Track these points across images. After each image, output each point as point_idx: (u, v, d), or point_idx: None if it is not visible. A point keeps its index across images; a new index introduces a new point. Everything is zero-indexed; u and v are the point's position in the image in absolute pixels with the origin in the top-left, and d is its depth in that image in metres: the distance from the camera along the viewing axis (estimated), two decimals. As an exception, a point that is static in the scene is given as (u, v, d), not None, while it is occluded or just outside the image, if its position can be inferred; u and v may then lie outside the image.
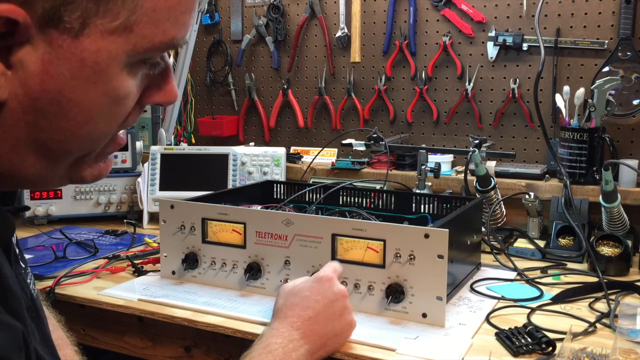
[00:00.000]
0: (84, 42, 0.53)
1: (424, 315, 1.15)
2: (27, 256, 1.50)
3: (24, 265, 0.74)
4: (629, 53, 1.77)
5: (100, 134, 0.59)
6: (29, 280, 0.74)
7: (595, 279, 1.40)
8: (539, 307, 1.25)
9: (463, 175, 1.74)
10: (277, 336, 0.98)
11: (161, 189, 1.93)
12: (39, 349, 0.65)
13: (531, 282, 1.40)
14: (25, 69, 0.53)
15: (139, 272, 1.44)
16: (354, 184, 1.66)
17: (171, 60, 2.43)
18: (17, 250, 0.72)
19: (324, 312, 1.03)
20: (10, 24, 0.51)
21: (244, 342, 1.09)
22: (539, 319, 1.19)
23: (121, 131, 0.64)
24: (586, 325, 1.16)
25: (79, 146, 0.59)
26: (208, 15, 2.36)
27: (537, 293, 1.32)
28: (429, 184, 1.77)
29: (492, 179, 1.65)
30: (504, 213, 1.69)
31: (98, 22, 0.53)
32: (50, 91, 0.54)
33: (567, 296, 1.30)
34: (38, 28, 0.52)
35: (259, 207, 1.46)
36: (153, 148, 1.97)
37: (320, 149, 2.11)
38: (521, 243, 1.66)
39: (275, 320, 1.02)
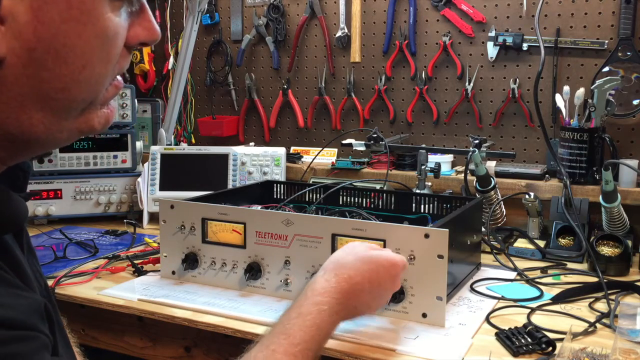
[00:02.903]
0: None
1: (424, 315, 1.15)
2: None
3: (35, 256, 0.74)
4: (629, 53, 1.77)
5: (98, 76, 0.60)
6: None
7: (595, 279, 1.40)
8: (539, 307, 1.25)
9: (463, 175, 1.73)
10: (328, 294, 0.96)
11: (161, 189, 1.93)
12: (58, 337, 0.65)
13: (531, 282, 1.40)
14: (17, 21, 0.53)
15: (139, 272, 1.44)
16: (354, 184, 1.66)
17: (171, 60, 2.44)
18: (30, 242, 0.73)
19: (372, 293, 1.02)
20: None
21: (244, 342, 1.09)
22: (539, 319, 1.19)
23: (118, 76, 0.65)
24: (586, 325, 1.15)
25: (81, 92, 0.59)
26: (208, 15, 2.36)
27: (537, 293, 1.32)
28: (429, 184, 1.77)
29: (492, 179, 1.65)
30: (504, 213, 1.69)
31: None
32: (45, 39, 0.54)
33: (567, 296, 1.30)
34: None
35: (259, 207, 1.46)
36: (153, 148, 1.97)
37: (320, 149, 2.11)
38: (521, 243, 1.66)
39: (332, 273, 1.00)
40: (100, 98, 0.62)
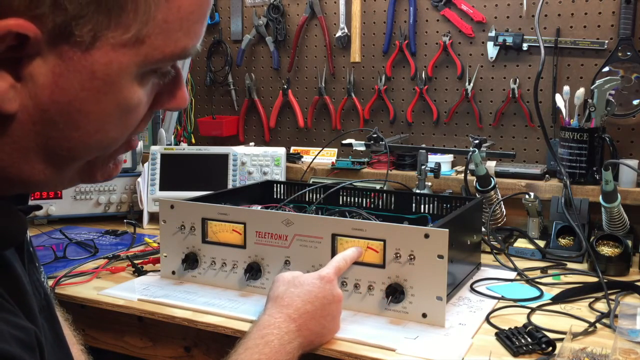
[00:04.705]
0: (95, 55, 0.53)
1: (424, 315, 1.15)
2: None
3: (37, 264, 0.74)
4: (629, 53, 1.77)
5: (111, 141, 0.59)
6: (42, 279, 0.73)
7: (595, 279, 1.40)
8: (539, 307, 1.25)
9: (463, 175, 1.74)
10: (273, 326, 0.98)
11: (161, 189, 1.93)
12: (49, 351, 0.64)
13: (531, 282, 1.40)
14: (35, 82, 0.52)
15: (139, 272, 1.44)
16: (354, 184, 1.66)
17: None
18: (31, 249, 0.72)
19: (320, 310, 1.04)
20: (20, 38, 0.50)
21: (244, 342, 1.09)
22: (539, 319, 1.19)
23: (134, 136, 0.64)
24: (586, 325, 1.15)
25: (89, 153, 0.59)
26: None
27: (537, 293, 1.32)
28: (429, 184, 1.77)
29: (492, 179, 1.65)
30: (504, 213, 1.69)
31: (110, 35, 0.52)
32: (60, 103, 0.53)
33: (567, 296, 1.30)
34: (48, 42, 0.51)
35: (259, 207, 1.46)
36: (153, 148, 1.97)
37: (320, 149, 2.11)
38: (521, 243, 1.66)
39: (273, 307, 1.03)
40: (107, 154, 0.61)
